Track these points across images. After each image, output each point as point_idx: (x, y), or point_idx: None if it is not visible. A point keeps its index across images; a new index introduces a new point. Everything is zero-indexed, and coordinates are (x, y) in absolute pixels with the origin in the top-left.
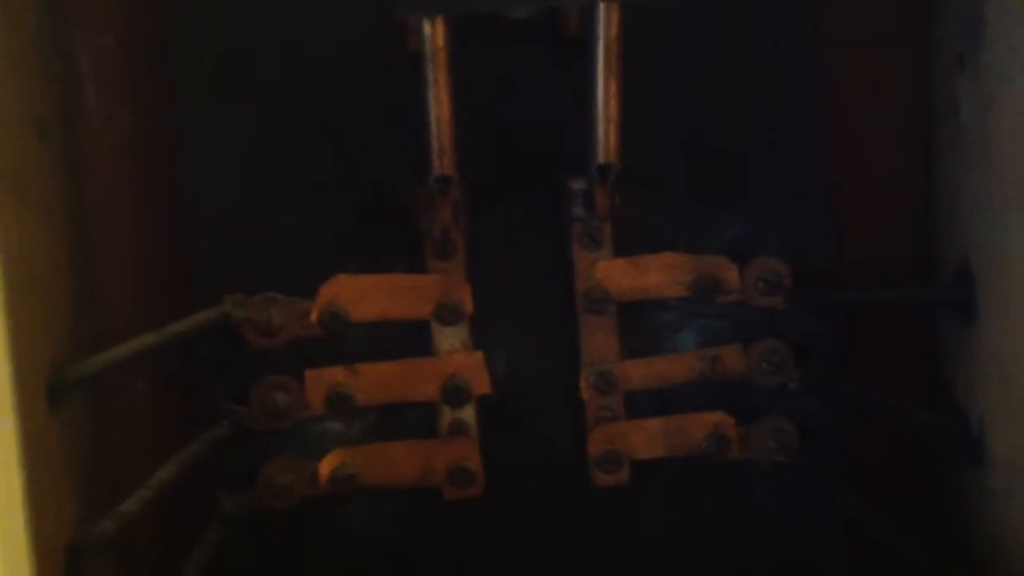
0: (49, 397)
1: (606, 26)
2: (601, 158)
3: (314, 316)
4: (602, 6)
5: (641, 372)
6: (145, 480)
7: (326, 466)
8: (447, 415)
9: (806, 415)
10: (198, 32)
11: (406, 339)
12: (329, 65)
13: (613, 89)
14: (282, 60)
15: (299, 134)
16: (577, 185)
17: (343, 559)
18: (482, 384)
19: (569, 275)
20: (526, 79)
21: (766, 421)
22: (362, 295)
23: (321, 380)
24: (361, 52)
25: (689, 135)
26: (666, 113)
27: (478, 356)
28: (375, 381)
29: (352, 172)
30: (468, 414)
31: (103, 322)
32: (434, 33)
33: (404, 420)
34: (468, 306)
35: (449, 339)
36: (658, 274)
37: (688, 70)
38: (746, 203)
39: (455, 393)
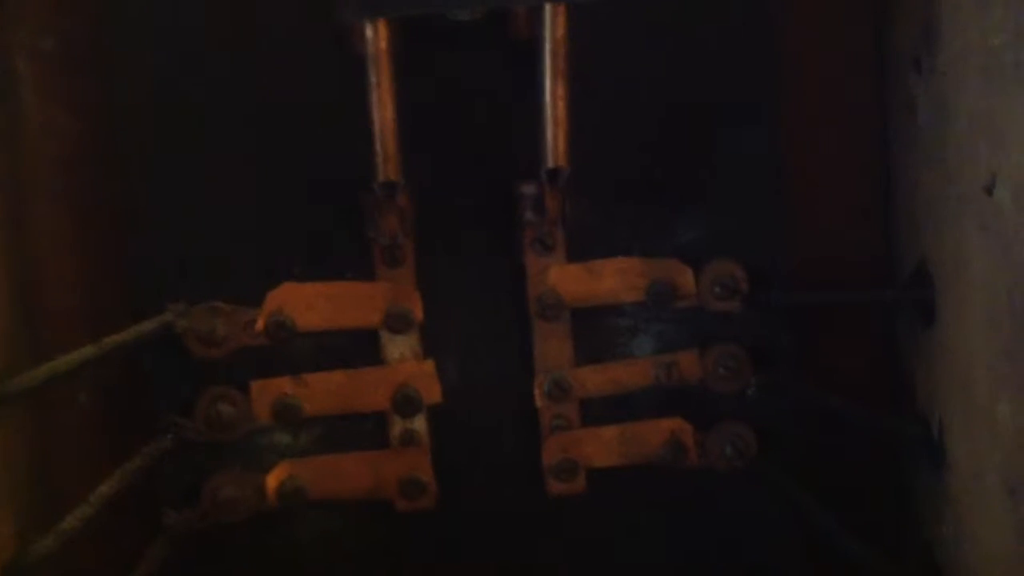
0: None
1: (552, 27)
2: (550, 162)
3: (260, 325)
4: (548, 7)
5: (596, 379)
6: (87, 495)
7: (273, 479)
8: (398, 425)
9: (764, 420)
10: (143, 36)
11: (355, 348)
12: (277, 69)
13: (561, 91)
14: (230, 65)
15: (245, 140)
16: (528, 190)
17: (292, 573)
18: (433, 393)
19: (521, 281)
20: (476, 83)
21: (724, 427)
22: (309, 303)
23: (267, 391)
24: (309, 56)
25: (643, 138)
26: (618, 116)
27: (429, 365)
28: (323, 391)
29: (299, 178)
30: (419, 424)
31: (44, 334)
32: (376, 36)
33: (354, 431)
34: (418, 314)
35: (399, 348)
36: (612, 279)
37: (641, 73)
38: (701, 206)
39: (406, 403)
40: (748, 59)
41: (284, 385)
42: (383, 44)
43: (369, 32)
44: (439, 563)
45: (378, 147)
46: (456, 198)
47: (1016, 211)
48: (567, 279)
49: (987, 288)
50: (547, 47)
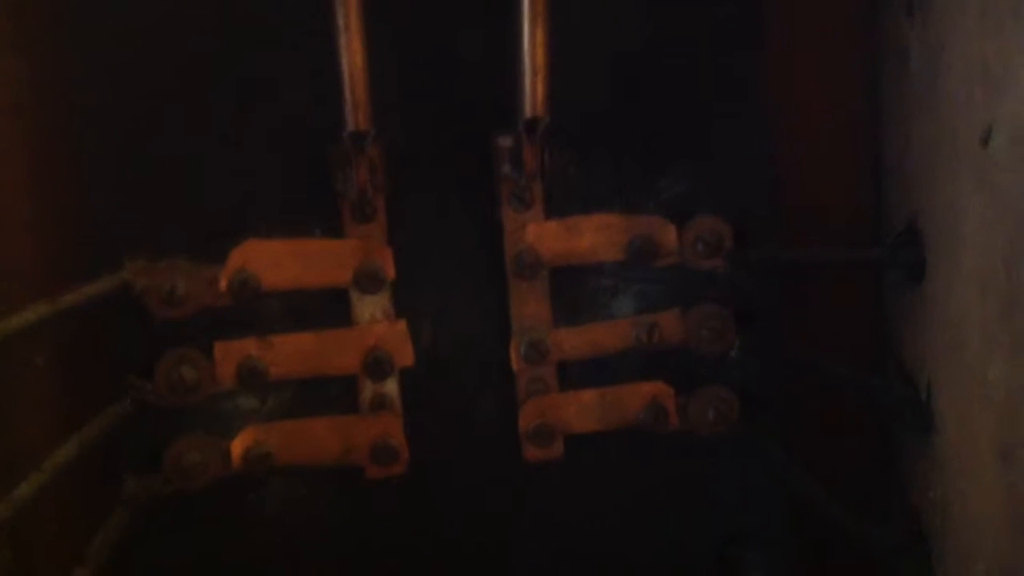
0: None
1: None
2: (528, 112)
3: (223, 284)
4: None
5: (574, 341)
6: (42, 462)
7: (239, 444)
8: (368, 389)
9: (748, 383)
10: None
11: (323, 308)
12: (237, 17)
13: (540, 37)
14: (186, 14)
15: (204, 85)
16: (505, 142)
17: (259, 542)
18: (405, 355)
19: (498, 238)
20: (452, 28)
21: (706, 391)
22: (275, 261)
23: (232, 353)
24: (271, 3)
25: (625, 90)
26: (600, 67)
27: (401, 326)
28: (290, 353)
29: (263, 127)
30: (391, 388)
31: None
32: None
33: (322, 395)
34: (389, 272)
35: (369, 308)
36: (592, 236)
37: (624, 23)
38: (685, 161)
39: (376, 365)
40: (734, 8)
41: (249, 347)
42: None
43: None
44: (411, 530)
45: (347, 94)
46: (430, 150)
47: (1013, 163)
48: (545, 236)
49: (981, 244)
50: None
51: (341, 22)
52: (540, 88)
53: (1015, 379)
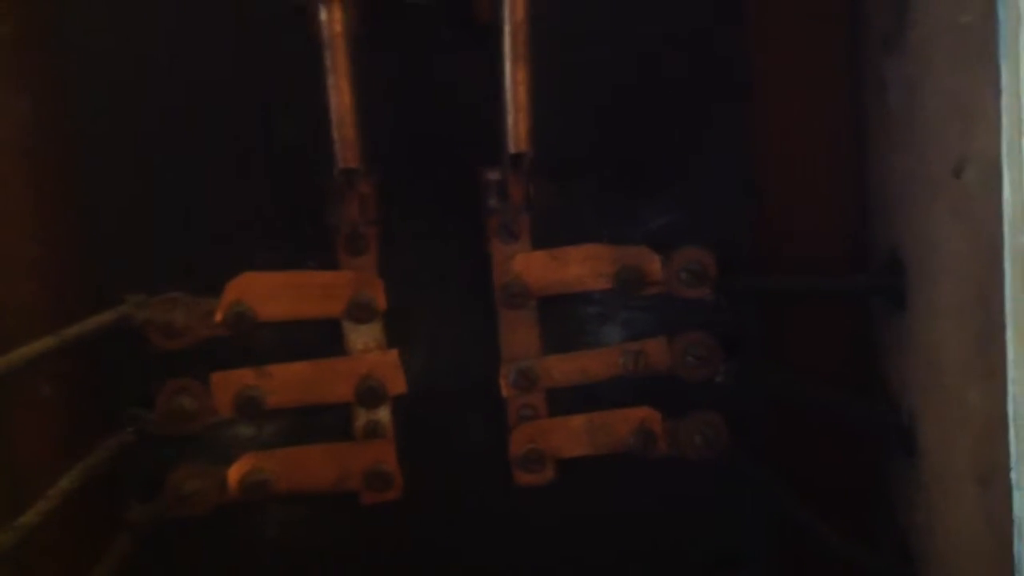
0: None
1: (512, 10)
2: (512, 147)
3: (219, 316)
4: None
5: (563, 368)
6: (47, 490)
7: (236, 472)
8: (362, 416)
9: (735, 408)
10: (97, 21)
11: (317, 338)
12: (234, 54)
13: (521, 76)
14: (185, 51)
15: (203, 127)
16: (491, 176)
17: (257, 568)
18: (397, 384)
19: (487, 269)
20: (438, 68)
21: (693, 416)
22: (270, 293)
23: (229, 383)
24: (267, 41)
25: (609, 124)
26: (584, 101)
27: (392, 355)
28: (286, 383)
29: (258, 166)
30: (383, 415)
31: (3, 326)
32: (331, 19)
33: (317, 423)
34: (381, 303)
35: (362, 338)
36: (579, 266)
37: (607, 57)
38: (669, 191)
39: (369, 394)
40: (717, 42)
41: (246, 377)
42: (338, 27)
43: (323, 15)
44: (405, 555)
45: (336, 133)
46: (420, 185)
47: (984, 194)
48: (533, 266)
49: (957, 273)
50: (507, 30)
51: (329, 64)
52: (522, 124)
53: (991, 405)
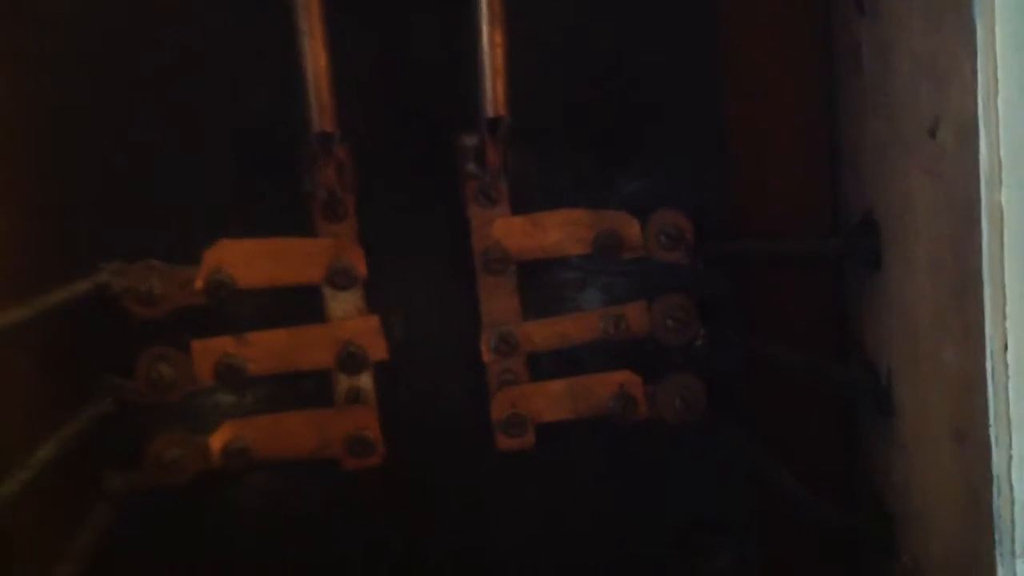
0: None
1: None
2: (490, 111)
3: (199, 284)
4: None
5: (543, 333)
6: (25, 460)
7: (218, 440)
8: (343, 383)
9: (714, 372)
10: None
11: (297, 305)
12: (205, 21)
13: (498, 38)
14: (155, 20)
15: (175, 91)
16: (469, 141)
17: (239, 535)
18: (378, 350)
19: (466, 235)
20: (416, 31)
21: (673, 379)
22: (249, 260)
23: (209, 351)
24: (238, 6)
25: (584, 87)
26: (559, 65)
27: (373, 321)
28: (266, 350)
29: (234, 130)
30: (365, 381)
31: None
32: None
33: (298, 390)
34: (361, 269)
35: (343, 304)
36: (558, 231)
37: (581, 18)
38: (645, 156)
39: (350, 360)
40: (690, 6)
41: (226, 345)
42: None
43: None
44: (389, 520)
45: (312, 97)
46: (398, 150)
47: (958, 153)
48: (512, 232)
49: (931, 233)
50: None
51: (303, 26)
52: (500, 88)
53: (967, 363)
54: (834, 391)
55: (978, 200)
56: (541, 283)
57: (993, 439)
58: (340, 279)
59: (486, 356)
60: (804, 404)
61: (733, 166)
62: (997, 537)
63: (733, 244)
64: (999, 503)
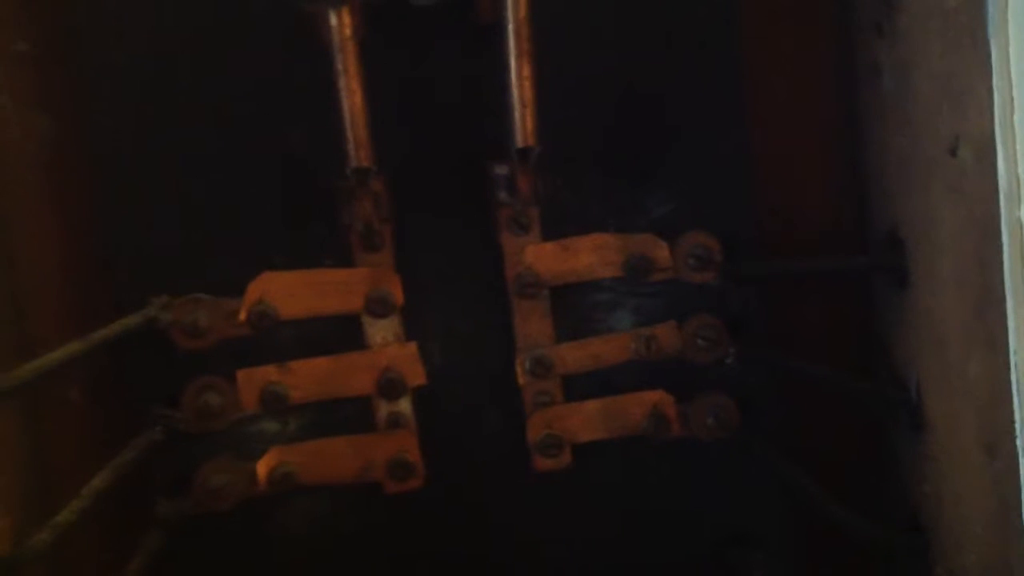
0: None
1: (514, 7)
2: (519, 142)
3: (242, 316)
4: None
5: (576, 355)
6: (80, 489)
7: (263, 466)
8: (383, 408)
9: (745, 389)
10: (112, 37)
11: (338, 334)
12: (247, 60)
13: (526, 72)
14: (200, 59)
15: (219, 131)
16: (500, 170)
17: (286, 558)
18: (417, 375)
19: (499, 261)
20: (446, 67)
21: (705, 398)
22: (290, 292)
23: (253, 379)
24: (280, 46)
25: (611, 114)
26: (586, 93)
27: (411, 347)
28: (308, 378)
29: (275, 167)
30: (404, 406)
31: (30, 332)
32: (340, 23)
33: (340, 415)
34: (398, 298)
35: (381, 332)
36: (588, 256)
37: (607, 49)
38: (673, 179)
39: (390, 386)
40: (712, 31)
41: (270, 373)
42: (347, 31)
43: (333, 20)
44: (430, 541)
45: (349, 134)
46: (432, 181)
47: (978, 170)
48: (544, 257)
49: (955, 248)
50: (510, 28)
51: (340, 67)
52: (529, 119)
53: (993, 375)
54: (864, 406)
55: (998, 215)
56: (573, 306)
57: (1021, 450)
58: (378, 307)
59: (521, 379)
60: (836, 419)
61: (759, 187)
62: None
63: (761, 263)
64: None
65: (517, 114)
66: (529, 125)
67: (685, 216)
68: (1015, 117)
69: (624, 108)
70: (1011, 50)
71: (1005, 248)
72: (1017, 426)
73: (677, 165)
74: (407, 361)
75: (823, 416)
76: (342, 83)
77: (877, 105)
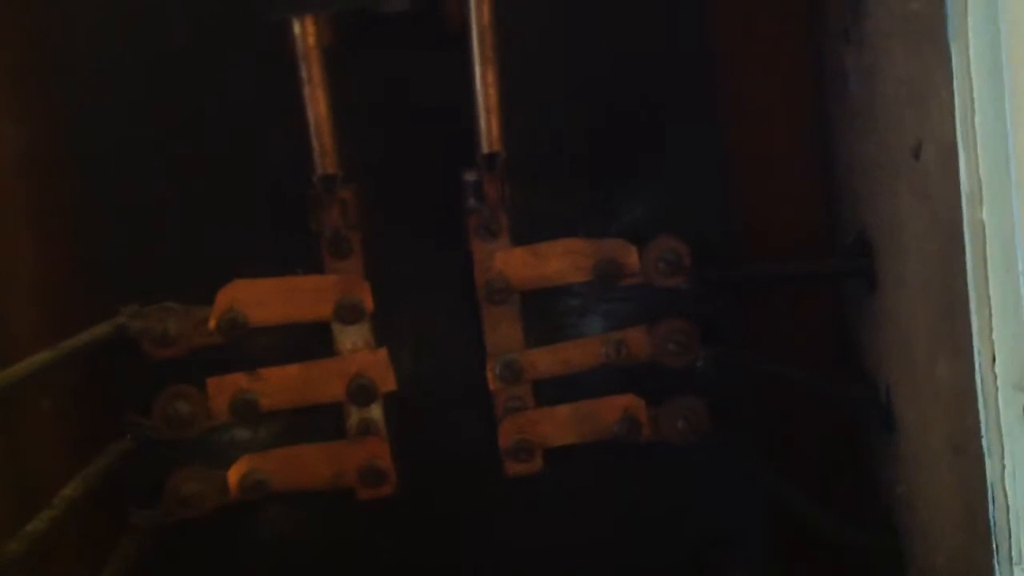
0: None
1: (478, 14)
2: (485, 147)
3: (212, 323)
4: None
5: (547, 360)
6: (51, 498)
7: (235, 473)
8: (354, 415)
9: (718, 393)
10: (82, 47)
11: (308, 341)
12: (218, 68)
13: (490, 78)
14: (173, 69)
15: (190, 140)
16: (469, 176)
17: (258, 565)
18: (387, 381)
19: (469, 267)
20: (414, 74)
21: (675, 401)
22: (260, 299)
23: (224, 387)
24: (252, 54)
25: (581, 119)
26: (554, 98)
27: (382, 353)
28: (279, 385)
29: (244, 175)
30: (375, 412)
31: (6, 343)
32: (304, 32)
33: (311, 423)
34: (368, 304)
35: (351, 338)
36: (559, 261)
37: (577, 50)
38: (643, 185)
39: (361, 392)
40: (683, 36)
41: (240, 381)
42: (311, 40)
43: (296, 29)
44: (402, 547)
45: (314, 142)
46: (403, 188)
47: (941, 174)
48: (514, 263)
49: (921, 251)
50: (474, 34)
51: (304, 75)
52: (494, 125)
53: (960, 377)
54: (837, 408)
55: (961, 218)
56: (544, 311)
57: (986, 449)
58: (348, 314)
59: (492, 384)
60: (811, 422)
61: (733, 191)
62: (994, 546)
63: (731, 268)
64: (995, 513)
65: (482, 120)
66: (495, 131)
67: (657, 220)
68: (976, 119)
69: (595, 113)
70: (971, 53)
71: (967, 251)
72: (982, 427)
73: (649, 170)
74: (377, 367)
75: (798, 419)
76: (307, 91)
77: (845, 110)
